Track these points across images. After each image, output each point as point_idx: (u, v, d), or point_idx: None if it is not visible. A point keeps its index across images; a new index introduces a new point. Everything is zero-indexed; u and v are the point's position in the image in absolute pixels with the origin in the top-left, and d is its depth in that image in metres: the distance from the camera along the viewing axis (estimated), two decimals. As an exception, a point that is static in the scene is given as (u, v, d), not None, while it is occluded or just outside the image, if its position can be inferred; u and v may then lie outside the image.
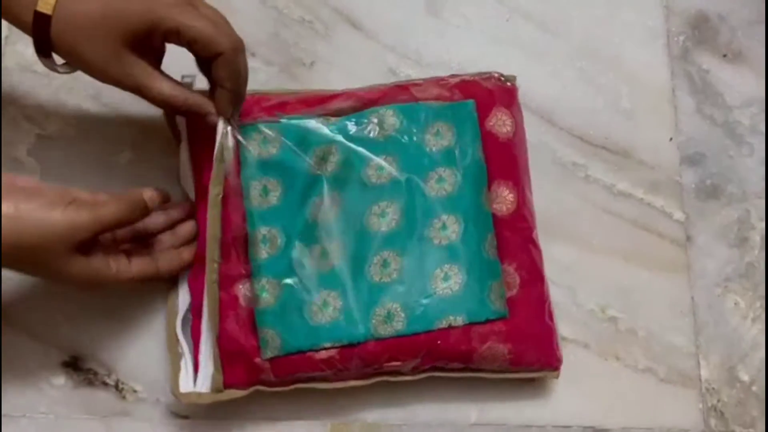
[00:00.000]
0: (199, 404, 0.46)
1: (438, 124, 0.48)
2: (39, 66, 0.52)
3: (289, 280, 0.45)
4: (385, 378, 0.46)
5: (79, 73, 0.53)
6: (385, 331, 0.44)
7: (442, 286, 0.45)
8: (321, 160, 0.47)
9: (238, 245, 0.46)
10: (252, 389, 0.45)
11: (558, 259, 0.51)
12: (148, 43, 0.42)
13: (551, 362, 0.47)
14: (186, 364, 0.45)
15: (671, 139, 0.55)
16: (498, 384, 0.49)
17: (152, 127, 0.52)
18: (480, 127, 0.48)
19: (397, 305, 0.45)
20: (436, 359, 0.46)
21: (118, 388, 0.47)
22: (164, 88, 0.43)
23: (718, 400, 0.50)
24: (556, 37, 0.56)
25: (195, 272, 0.46)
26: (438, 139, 0.48)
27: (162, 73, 0.44)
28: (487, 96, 0.49)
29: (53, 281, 0.44)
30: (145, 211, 0.43)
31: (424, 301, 0.45)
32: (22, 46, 0.53)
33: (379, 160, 0.47)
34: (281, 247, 0.46)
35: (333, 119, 0.48)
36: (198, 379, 0.45)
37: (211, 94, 0.45)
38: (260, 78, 0.54)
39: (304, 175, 0.47)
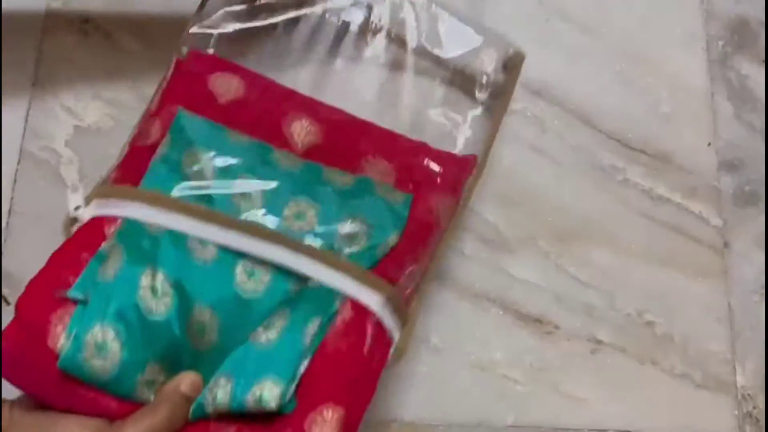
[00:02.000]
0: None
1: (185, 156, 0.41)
2: (77, 56, 0.52)
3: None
4: None
5: (119, 64, 0.53)
6: None
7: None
8: None
9: None
10: None
11: (596, 263, 0.51)
12: None
13: (470, 162, 0.46)
14: None
15: (710, 144, 0.55)
16: (535, 387, 0.49)
17: (190, 121, 0.52)
18: (216, 110, 0.43)
19: None
20: None
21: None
22: None
23: (754, 407, 0.50)
24: (595, 39, 0.56)
25: None
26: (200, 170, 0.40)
27: None
28: (188, 80, 0.44)
29: None
30: (189, 405, 0.36)
31: None
32: (61, 35, 0.53)
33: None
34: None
35: None
36: None
37: None
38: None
39: None
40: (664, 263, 0.52)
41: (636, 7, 0.57)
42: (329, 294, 0.39)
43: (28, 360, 0.36)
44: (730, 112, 0.55)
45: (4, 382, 0.36)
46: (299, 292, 0.39)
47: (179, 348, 0.37)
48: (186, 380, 0.37)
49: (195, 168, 0.40)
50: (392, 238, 0.41)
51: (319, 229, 0.40)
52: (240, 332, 0.38)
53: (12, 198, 0.50)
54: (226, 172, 0.40)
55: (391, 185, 0.43)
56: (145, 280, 0.37)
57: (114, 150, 0.51)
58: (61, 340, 0.35)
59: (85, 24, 0.53)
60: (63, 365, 0.35)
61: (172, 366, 0.37)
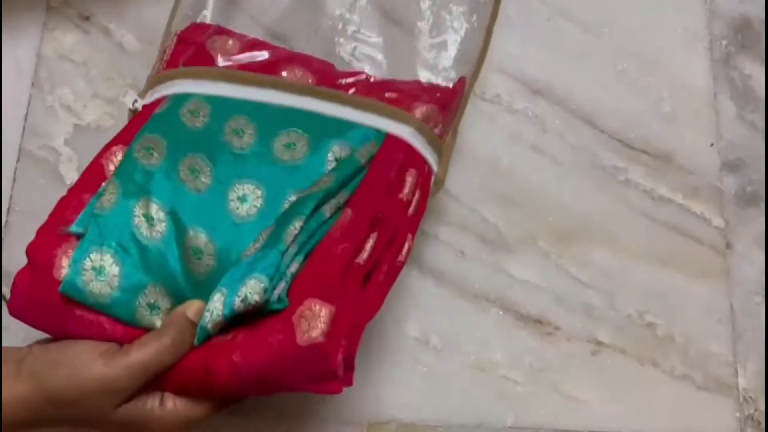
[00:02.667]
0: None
1: (185, 106, 0.43)
2: (77, 54, 0.52)
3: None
4: None
5: (118, 63, 0.53)
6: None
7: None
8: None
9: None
10: None
11: (597, 263, 0.51)
12: None
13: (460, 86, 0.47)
14: None
15: (712, 144, 0.54)
16: (535, 388, 0.48)
17: (190, 120, 0.52)
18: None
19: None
20: None
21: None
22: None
23: (756, 409, 0.49)
24: (597, 39, 0.56)
25: None
26: (197, 115, 0.43)
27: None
28: (188, 45, 0.47)
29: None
30: (195, 331, 0.38)
31: None
32: (60, 34, 0.52)
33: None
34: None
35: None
36: None
37: None
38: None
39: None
40: (665, 264, 0.52)
41: (638, 6, 0.57)
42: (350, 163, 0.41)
43: (38, 296, 0.38)
44: (733, 112, 0.55)
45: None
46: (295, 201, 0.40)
47: (178, 272, 0.39)
48: (192, 307, 0.38)
49: (192, 114, 0.43)
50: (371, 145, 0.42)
51: (310, 156, 0.42)
52: (236, 256, 0.39)
53: (11, 196, 0.50)
54: (220, 114, 0.43)
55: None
56: (139, 210, 0.39)
57: (113, 148, 0.51)
58: (64, 270, 0.38)
59: (84, 22, 0.53)
60: (64, 289, 0.37)
61: (175, 292, 0.39)
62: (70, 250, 0.39)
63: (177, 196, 0.40)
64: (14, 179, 0.50)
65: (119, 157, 0.42)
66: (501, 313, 0.50)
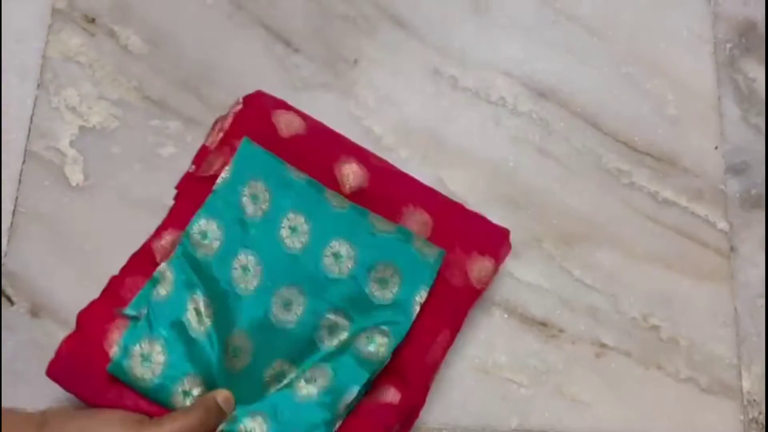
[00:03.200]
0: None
1: (245, 188, 0.45)
2: (82, 56, 0.52)
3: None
4: None
5: (124, 65, 0.53)
6: None
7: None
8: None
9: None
10: None
11: (601, 266, 0.51)
12: None
13: (503, 232, 0.47)
14: None
15: (716, 147, 0.54)
16: (539, 390, 0.49)
17: (195, 121, 0.52)
18: (276, 142, 0.47)
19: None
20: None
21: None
22: None
23: (760, 413, 0.49)
24: (602, 41, 0.56)
25: None
26: (257, 202, 0.45)
27: None
28: (253, 114, 0.47)
29: None
30: (221, 416, 0.41)
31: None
32: (65, 36, 0.52)
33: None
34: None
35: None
36: None
37: None
38: (303, 74, 0.53)
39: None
40: (669, 267, 0.52)
41: (643, 9, 0.57)
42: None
43: (83, 363, 0.42)
44: (737, 116, 0.55)
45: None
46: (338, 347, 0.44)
47: (215, 365, 0.43)
48: (221, 394, 0.42)
49: (252, 200, 0.45)
50: (423, 293, 0.44)
51: (354, 271, 0.44)
52: (271, 356, 0.43)
53: (17, 198, 0.50)
54: (279, 206, 0.45)
55: (427, 237, 0.46)
56: (191, 304, 0.43)
57: (119, 149, 0.51)
58: (114, 348, 0.42)
59: (90, 24, 0.53)
60: (112, 369, 0.41)
61: (209, 381, 0.43)
62: (122, 328, 0.43)
63: (225, 294, 0.43)
64: (20, 180, 0.50)
65: (168, 239, 0.45)
66: (506, 315, 0.50)
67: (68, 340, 0.42)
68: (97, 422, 0.39)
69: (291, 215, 0.45)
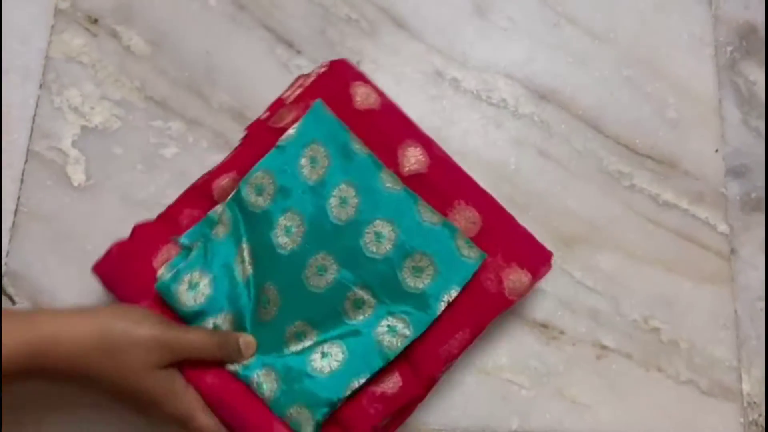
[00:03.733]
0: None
1: (307, 149, 0.46)
2: (85, 57, 0.52)
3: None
4: None
5: (126, 65, 0.53)
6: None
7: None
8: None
9: None
10: None
11: (602, 268, 0.51)
12: None
13: (546, 253, 0.47)
14: None
15: (717, 150, 0.54)
16: (540, 392, 0.49)
17: (197, 122, 0.52)
18: (349, 111, 0.47)
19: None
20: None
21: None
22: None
23: (759, 415, 0.50)
24: (603, 44, 0.56)
25: None
26: (315, 166, 0.46)
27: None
28: (333, 80, 0.48)
29: (123, 395, 0.40)
30: (237, 355, 0.44)
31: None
32: (68, 36, 0.53)
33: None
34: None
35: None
36: None
37: None
38: (306, 75, 0.53)
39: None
40: (670, 269, 0.52)
41: (644, 12, 0.57)
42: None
43: (129, 269, 0.44)
44: (738, 119, 0.55)
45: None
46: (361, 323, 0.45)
47: (248, 310, 0.45)
48: (244, 338, 0.44)
49: (310, 162, 0.46)
50: (453, 293, 0.45)
51: (391, 253, 0.45)
52: (295, 315, 0.45)
53: (18, 197, 0.50)
54: (335, 175, 0.46)
55: (471, 239, 0.46)
56: (240, 250, 0.45)
57: (121, 150, 0.51)
58: (163, 269, 0.45)
59: (93, 24, 0.53)
60: (159, 287, 0.44)
61: (238, 323, 0.45)
62: (172, 252, 0.45)
63: (267, 249, 0.45)
64: (22, 180, 0.50)
65: (227, 182, 0.46)
66: (507, 316, 0.50)
67: (120, 245, 0.45)
68: (127, 307, 0.43)
69: (343, 186, 0.46)
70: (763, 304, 0.52)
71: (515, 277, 0.45)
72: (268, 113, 0.49)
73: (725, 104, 0.55)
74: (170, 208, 0.47)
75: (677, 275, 0.52)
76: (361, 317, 0.45)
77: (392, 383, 0.44)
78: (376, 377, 0.44)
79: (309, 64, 0.54)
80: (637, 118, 0.55)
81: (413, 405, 0.45)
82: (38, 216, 0.49)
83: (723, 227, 0.53)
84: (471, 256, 0.45)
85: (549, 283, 0.51)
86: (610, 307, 0.51)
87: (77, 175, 0.50)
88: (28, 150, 0.50)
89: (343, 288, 0.45)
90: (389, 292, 0.45)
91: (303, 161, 0.46)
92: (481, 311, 0.45)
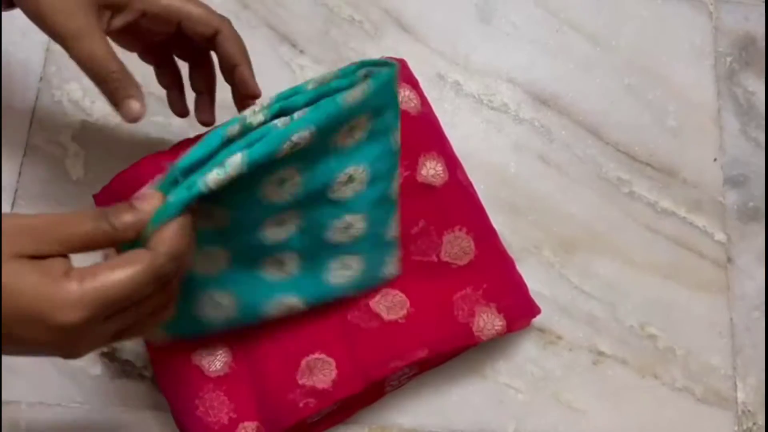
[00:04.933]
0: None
1: (353, 121, 0.39)
2: (87, 50, 0.52)
3: None
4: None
5: (127, 59, 0.52)
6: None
7: (340, 273, 0.43)
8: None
9: None
10: None
11: (600, 274, 0.51)
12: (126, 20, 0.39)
13: (532, 310, 0.47)
14: None
15: (715, 159, 0.55)
16: (536, 396, 0.49)
17: (198, 119, 0.51)
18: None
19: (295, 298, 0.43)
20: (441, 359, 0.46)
21: (153, 381, 0.47)
22: (97, 48, 0.37)
23: (754, 423, 0.50)
24: (605, 51, 0.56)
25: None
26: (350, 138, 0.40)
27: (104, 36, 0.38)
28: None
29: None
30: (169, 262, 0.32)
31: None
32: (70, 30, 0.52)
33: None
34: None
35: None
36: None
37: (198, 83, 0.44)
38: (308, 76, 0.53)
39: None
40: (667, 276, 0.52)
41: (646, 21, 0.57)
42: None
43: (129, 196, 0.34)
44: (737, 129, 0.56)
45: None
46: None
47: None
48: (168, 232, 0.32)
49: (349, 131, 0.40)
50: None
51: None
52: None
53: (16, 190, 0.49)
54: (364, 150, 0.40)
55: (459, 268, 0.46)
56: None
57: (121, 144, 0.51)
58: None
59: (95, 18, 0.53)
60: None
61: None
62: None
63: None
64: (20, 173, 0.50)
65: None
66: (504, 320, 0.50)
67: (120, 174, 0.44)
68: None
69: (352, 169, 0.40)
70: (758, 314, 0.52)
71: (488, 318, 0.45)
72: None
73: (724, 114, 0.56)
74: (183, 142, 0.45)
75: (674, 283, 0.52)
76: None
77: (325, 377, 0.43)
78: (310, 370, 0.43)
79: (312, 64, 0.54)
80: (637, 126, 0.55)
81: (351, 407, 0.45)
82: (36, 209, 0.49)
83: (720, 236, 0.53)
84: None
85: (548, 287, 0.51)
86: (607, 313, 0.51)
87: (76, 169, 0.50)
88: (27, 143, 0.50)
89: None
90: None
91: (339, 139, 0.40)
92: (442, 336, 0.45)
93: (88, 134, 0.51)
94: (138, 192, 0.33)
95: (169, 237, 0.32)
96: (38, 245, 0.30)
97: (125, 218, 0.31)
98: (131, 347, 0.47)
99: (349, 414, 0.46)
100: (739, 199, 0.54)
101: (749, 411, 0.50)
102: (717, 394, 0.50)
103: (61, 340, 0.30)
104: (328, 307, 0.44)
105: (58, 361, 0.46)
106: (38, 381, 0.46)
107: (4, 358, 0.45)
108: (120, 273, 0.30)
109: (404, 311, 0.45)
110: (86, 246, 0.31)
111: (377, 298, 0.45)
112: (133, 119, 0.39)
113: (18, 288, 0.29)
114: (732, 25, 0.58)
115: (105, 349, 0.47)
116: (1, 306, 0.29)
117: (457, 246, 0.46)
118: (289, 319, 0.43)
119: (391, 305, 0.45)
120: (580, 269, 0.51)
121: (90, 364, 0.47)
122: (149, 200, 0.32)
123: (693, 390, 0.50)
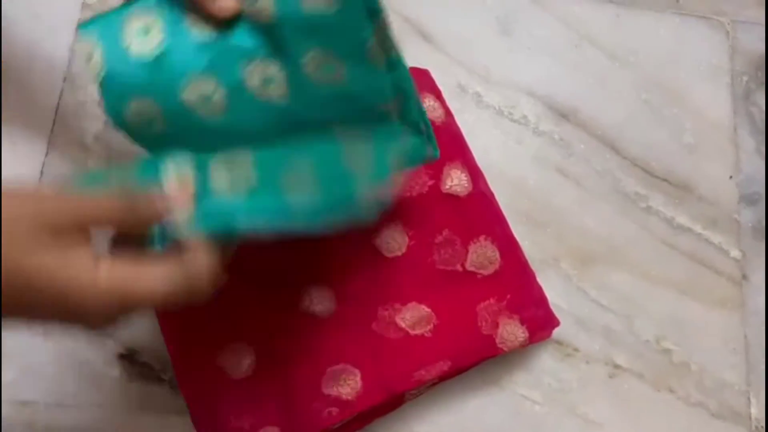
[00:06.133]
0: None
1: None
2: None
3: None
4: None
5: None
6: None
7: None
8: None
9: None
10: None
11: (616, 288, 0.52)
12: None
13: (553, 322, 0.47)
14: None
15: (731, 177, 0.55)
16: (552, 408, 0.49)
17: (221, 123, 0.51)
18: None
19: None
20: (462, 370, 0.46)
21: (172, 384, 0.47)
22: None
23: (767, 440, 0.50)
24: (623, 67, 0.57)
25: None
26: None
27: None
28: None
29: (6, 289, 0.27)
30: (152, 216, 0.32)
31: None
32: (95, 31, 0.52)
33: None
34: None
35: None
36: None
37: None
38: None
39: None
40: (683, 291, 0.52)
41: (664, 38, 0.58)
42: None
43: None
44: (752, 147, 0.56)
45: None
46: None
47: None
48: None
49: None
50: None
51: None
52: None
53: (37, 190, 0.49)
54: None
55: (484, 277, 0.46)
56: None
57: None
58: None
59: (120, 20, 0.53)
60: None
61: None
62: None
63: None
64: (42, 173, 0.49)
65: None
66: (522, 332, 0.50)
67: None
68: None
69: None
70: (772, 330, 0.52)
71: (512, 330, 0.46)
72: None
73: (740, 132, 0.56)
74: None
75: (690, 298, 0.52)
76: None
77: (350, 388, 0.43)
78: (335, 380, 0.43)
79: (334, 72, 0.54)
80: (655, 142, 0.55)
81: (370, 416, 0.45)
82: (57, 209, 0.49)
83: (735, 253, 0.54)
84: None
85: (565, 300, 0.51)
86: (623, 326, 0.51)
87: (97, 170, 0.50)
88: (49, 143, 0.50)
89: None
90: None
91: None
92: (465, 348, 0.45)
93: (110, 135, 0.51)
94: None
95: (211, 264, 0.31)
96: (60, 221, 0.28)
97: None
98: (150, 350, 0.47)
99: (367, 422, 0.46)
100: (754, 217, 0.55)
101: (762, 427, 0.50)
102: (731, 409, 0.50)
103: (76, 323, 0.29)
104: (353, 317, 0.44)
105: (77, 362, 0.46)
106: (56, 382, 0.46)
107: (22, 358, 0.45)
108: (153, 284, 0.30)
109: (430, 326, 0.45)
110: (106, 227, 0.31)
111: (402, 311, 0.45)
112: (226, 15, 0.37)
113: (44, 265, 0.27)
114: (748, 45, 0.59)
115: (123, 351, 0.47)
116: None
117: (483, 255, 0.46)
118: (315, 327, 0.43)
119: (417, 320, 0.45)
120: (598, 282, 0.52)
121: (108, 367, 0.47)
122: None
123: (707, 405, 0.50)
